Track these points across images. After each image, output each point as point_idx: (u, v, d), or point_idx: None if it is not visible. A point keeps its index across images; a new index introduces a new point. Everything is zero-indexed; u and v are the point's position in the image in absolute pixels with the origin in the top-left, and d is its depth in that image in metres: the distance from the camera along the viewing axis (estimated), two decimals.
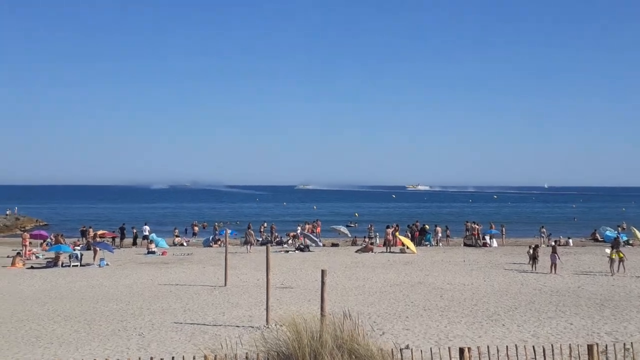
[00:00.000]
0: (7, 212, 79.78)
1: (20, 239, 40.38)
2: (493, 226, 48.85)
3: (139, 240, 46.84)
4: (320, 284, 12.90)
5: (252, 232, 44.21)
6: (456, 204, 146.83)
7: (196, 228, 56.24)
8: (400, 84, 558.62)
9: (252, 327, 16.39)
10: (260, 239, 46.95)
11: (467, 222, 50.88)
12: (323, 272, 12.86)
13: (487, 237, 45.21)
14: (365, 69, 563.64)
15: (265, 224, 54.49)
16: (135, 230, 48.39)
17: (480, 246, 43.92)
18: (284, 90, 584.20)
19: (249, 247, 41.69)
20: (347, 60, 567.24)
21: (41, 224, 76.94)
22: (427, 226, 48.75)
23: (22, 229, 63.68)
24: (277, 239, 47.73)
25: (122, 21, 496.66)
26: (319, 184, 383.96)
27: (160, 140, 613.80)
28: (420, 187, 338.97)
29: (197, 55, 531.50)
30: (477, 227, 46.10)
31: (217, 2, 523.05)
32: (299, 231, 48.81)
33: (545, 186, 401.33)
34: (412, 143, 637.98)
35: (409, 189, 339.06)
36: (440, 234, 46.84)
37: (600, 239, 49.67)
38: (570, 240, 47.02)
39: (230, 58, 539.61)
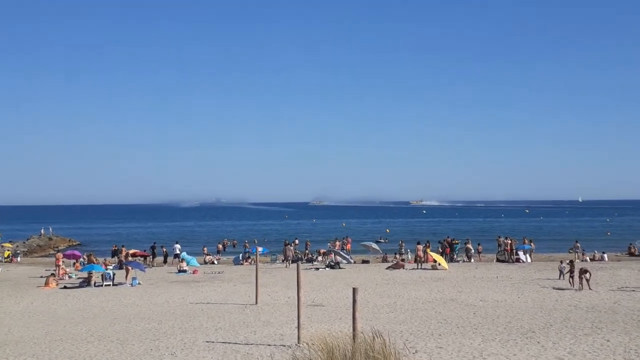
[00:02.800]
0: (42, 232, 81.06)
1: (54, 259, 40.94)
2: (526, 241, 48.24)
3: (169, 259, 47.21)
4: (351, 301, 12.84)
5: (290, 247, 45.26)
6: (488, 219, 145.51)
7: (220, 246, 56.66)
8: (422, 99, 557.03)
9: (284, 346, 16.35)
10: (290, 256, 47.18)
11: (499, 237, 50.38)
12: (355, 290, 12.80)
13: (521, 253, 44.64)
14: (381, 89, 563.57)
15: (297, 241, 54.67)
16: (165, 249, 48.79)
17: (513, 262, 43.40)
18: (288, 101, 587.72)
19: (288, 263, 43.18)
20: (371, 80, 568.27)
21: (74, 243, 78.04)
22: (457, 241, 48.43)
23: (56, 249, 64.75)
24: (308, 256, 47.76)
25: (147, 33, 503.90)
26: (331, 200, 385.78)
27: (187, 158, 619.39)
28: (426, 203, 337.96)
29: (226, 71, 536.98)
30: (509, 242, 45.58)
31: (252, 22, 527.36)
32: (329, 248, 48.80)
33: (580, 200, 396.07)
34: (425, 156, 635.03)
35: (413, 204, 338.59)
36: (472, 250, 46.43)
37: (637, 254, 48.80)
38: (605, 255, 46.25)
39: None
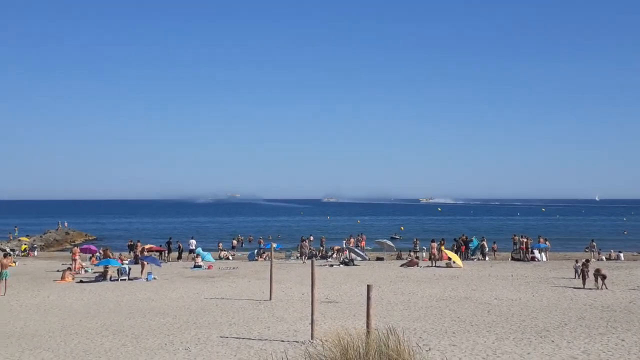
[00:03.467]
0: (59, 226, 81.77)
1: (70, 254, 41.27)
2: (542, 240, 47.92)
3: (184, 254, 47.45)
4: (365, 298, 12.87)
5: (306, 244, 45.51)
6: (503, 217, 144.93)
7: (234, 241, 56.82)
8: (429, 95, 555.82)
9: (297, 342, 16.41)
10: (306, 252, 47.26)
11: (514, 235, 50.12)
12: (369, 287, 12.83)
13: (536, 252, 44.39)
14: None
15: (312, 237, 54.84)
16: (180, 245, 49.03)
17: (528, 260, 43.19)
18: (289, 100, 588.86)
19: (304, 258, 43.51)
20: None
21: (90, 238, 78.67)
22: (474, 238, 48.34)
23: (72, 244, 65.24)
24: (322, 253, 47.84)
25: (147, 32, 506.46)
26: (342, 197, 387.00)
27: (202, 155, 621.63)
28: (436, 201, 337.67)
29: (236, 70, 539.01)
30: (525, 240, 45.34)
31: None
32: (344, 245, 48.84)
33: (597, 198, 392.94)
34: (436, 154, 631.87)
35: (423, 202, 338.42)
36: (487, 248, 46.26)
37: None
38: (622, 255, 45.90)
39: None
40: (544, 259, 44.13)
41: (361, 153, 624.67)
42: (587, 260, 30.86)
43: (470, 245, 46.58)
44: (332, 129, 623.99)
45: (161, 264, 38.96)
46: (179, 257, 47.07)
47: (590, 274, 28.77)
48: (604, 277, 27.90)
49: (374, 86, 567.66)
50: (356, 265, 40.91)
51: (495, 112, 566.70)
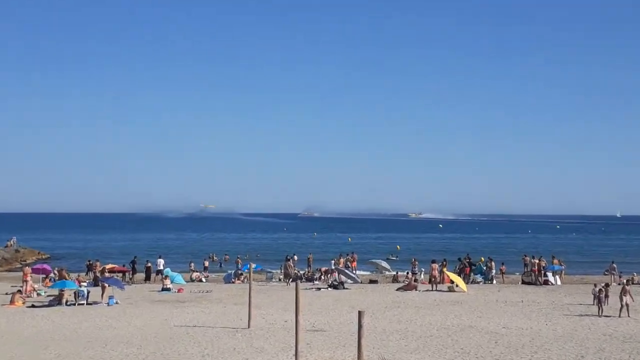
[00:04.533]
0: (8, 243, 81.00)
1: (21, 274, 40.97)
2: (556, 261, 48.06)
3: (152, 276, 47.26)
4: (356, 326, 12.89)
5: (291, 264, 45.55)
6: (510, 235, 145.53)
7: (206, 263, 56.54)
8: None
9: None
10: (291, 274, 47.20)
11: (525, 255, 50.33)
12: (360, 313, 12.84)
13: (550, 274, 44.57)
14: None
15: (297, 257, 54.88)
16: (149, 264, 48.80)
17: (540, 284, 43.36)
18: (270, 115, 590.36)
19: (288, 281, 43.83)
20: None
21: (43, 256, 78.14)
22: (482, 259, 48.53)
23: (23, 263, 64.84)
24: (308, 275, 47.83)
25: (126, 27, 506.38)
26: (323, 211, 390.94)
27: (171, 165, 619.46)
28: (426, 216, 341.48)
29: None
30: (537, 262, 45.50)
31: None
32: (332, 265, 48.87)
33: (618, 215, 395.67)
34: (424, 164, 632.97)
35: (412, 217, 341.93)
36: (493, 270, 46.38)
37: None
38: None
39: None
40: (559, 282, 44.32)
41: (342, 165, 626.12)
42: (607, 285, 31.05)
43: (473, 268, 46.66)
44: (311, 139, 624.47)
45: (124, 287, 38.73)
46: (147, 279, 46.86)
47: (612, 298, 28.88)
48: (627, 305, 28.06)
49: (354, 94, 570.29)
50: (346, 288, 40.91)
51: (499, 112, 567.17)
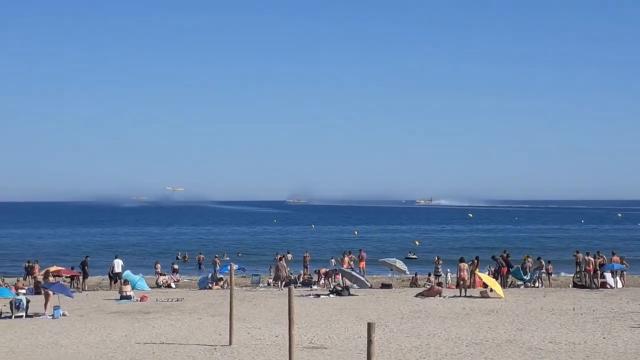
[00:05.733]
0: None
1: None
2: (617, 259, 48.03)
3: (107, 279, 47.28)
4: (365, 342, 12.94)
5: (283, 264, 45.53)
6: (556, 226, 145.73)
7: (176, 266, 56.74)
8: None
9: None
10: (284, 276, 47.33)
11: (577, 252, 50.44)
12: (370, 325, 12.89)
13: (608, 275, 44.65)
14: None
15: (290, 256, 55.15)
16: (113, 268, 48.45)
17: (597, 287, 43.47)
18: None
19: (280, 285, 44.11)
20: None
21: None
22: (527, 256, 48.65)
23: None
24: (305, 278, 47.98)
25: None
26: (314, 198, 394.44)
27: (130, 146, 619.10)
28: (438, 202, 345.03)
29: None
30: (592, 260, 45.56)
31: None
32: (333, 265, 49.00)
33: None
34: (432, 143, 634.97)
35: (421, 204, 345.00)
36: (544, 270, 46.56)
37: None
38: None
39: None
40: (619, 285, 44.42)
41: (336, 145, 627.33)
42: None
43: (512, 269, 46.73)
44: (299, 114, 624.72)
45: (73, 295, 38.81)
46: (114, 281, 46.71)
47: None
48: None
49: (347, 68, 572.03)
50: (353, 295, 41.00)
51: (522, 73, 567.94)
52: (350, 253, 54.10)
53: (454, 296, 39.98)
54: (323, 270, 47.98)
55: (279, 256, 49.26)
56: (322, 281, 46.29)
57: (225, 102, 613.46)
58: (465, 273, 41.79)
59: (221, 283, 46.33)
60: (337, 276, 45.55)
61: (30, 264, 49.55)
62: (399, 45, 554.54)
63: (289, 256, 54.88)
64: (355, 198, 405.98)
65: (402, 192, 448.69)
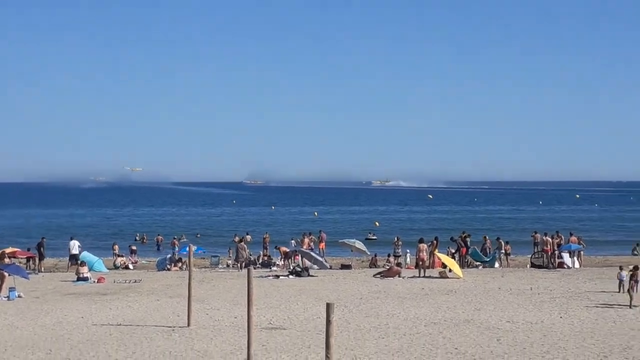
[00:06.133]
0: None
1: None
2: (574, 239, 48.44)
3: (64, 261, 46.92)
4: (324, 323, 12.95)
5: (244, 245, 45.61)
6: (514, 207, 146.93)
7: (133, 247, 56.38)
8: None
9: None
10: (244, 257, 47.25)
11: (535, 232, 50.85)
12: (329, 305, 12.91)
13: (565, 255, 45.07)
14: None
15: (250, 237, 55.10)
16: (72, 251, 48.05)
17: (554, 267, 43.90)
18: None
19: (240, 266, 44.36)
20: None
21: None
22: (485, 237, 48.97)
23: None
24: (264, 259, 47.96)
25: None
26: (272, 179, 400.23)
27: (86, 125, 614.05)
28: (394, 183, 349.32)
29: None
30: (550, 240, 45.94)
31: None
32: (293, 246, 49.01)
33: None
34: (388, 123, 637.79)
35: (376, 185, 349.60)
36: (502, 250, 46.93)
37: None
38: None
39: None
40: (576, 265, 44.89)
41: (288, 125, 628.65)
42: (637, 267, 31.46)
43: (470, 250, 47.00)
44: (257, 97, 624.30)
45: (29, 276, 38.47)
46: (71, 265, 46.35)
47: None
48: None
49: (303, 51, 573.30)
50: (312, 275, 41.07)
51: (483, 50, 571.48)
52: (310, 234, 54.25)
53: (413, 277, 40.19)
54: (283, 249, 48.00)
55: (237, 238, 49.27)
56: (281, 262, 46.29)
57: (184, 84, 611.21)
58: (425, 254, 42.02)
59: (180, 264, 46.18)
60: (297, 257, 45.57)
61: None
62: (353, 27, 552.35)
63: (248, 237, 54.81)
64: (313, 179, 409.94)
65: (361, 174, 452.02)
